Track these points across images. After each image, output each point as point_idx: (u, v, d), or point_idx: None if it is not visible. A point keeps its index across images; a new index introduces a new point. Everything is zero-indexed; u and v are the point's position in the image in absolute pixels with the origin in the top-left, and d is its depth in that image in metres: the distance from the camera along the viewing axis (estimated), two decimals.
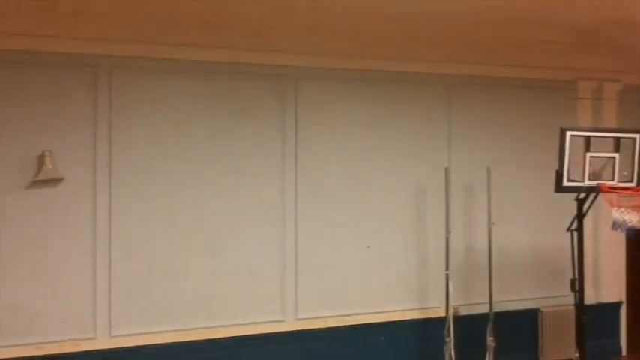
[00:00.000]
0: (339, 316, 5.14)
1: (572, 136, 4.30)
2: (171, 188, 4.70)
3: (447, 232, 5.14)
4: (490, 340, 5.04)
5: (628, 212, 4.43)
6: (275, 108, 5.00)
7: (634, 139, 4.41)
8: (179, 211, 4.72)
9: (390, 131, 5.32)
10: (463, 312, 5.36)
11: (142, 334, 4.58)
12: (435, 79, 5.44)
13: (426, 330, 5.30)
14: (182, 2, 4.27)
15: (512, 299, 5.60)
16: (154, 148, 4.66)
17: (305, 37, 4.93)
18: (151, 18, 4.48)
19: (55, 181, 4.41)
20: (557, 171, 4.30)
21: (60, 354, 4.37)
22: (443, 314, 5.14)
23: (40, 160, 4.36)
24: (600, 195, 4.43)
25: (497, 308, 5.20)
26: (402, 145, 5.36)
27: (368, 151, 5.26)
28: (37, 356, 4.31)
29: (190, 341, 4.69)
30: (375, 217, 5.28)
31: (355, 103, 5.22)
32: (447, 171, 5.19)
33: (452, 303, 5.07)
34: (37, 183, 4.36)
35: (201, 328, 4.74)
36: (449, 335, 5.01)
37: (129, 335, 4.56)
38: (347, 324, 5.14)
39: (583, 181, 4.34)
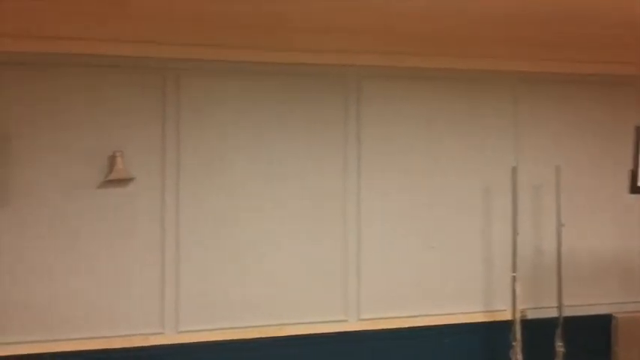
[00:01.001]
0: (402, 317, 5.09)
1: None
2: (236, 188, 4.78)
3: (515, 233, 5.01)
4: (559, 346, 4.88)
5: None
6: (338, 108, 5.00)
7: None
8: (245, 210, 4.79)
9: (455, 130, 5.23)
10: (531, 316, 5.20)
11: (208, 330, 4.68)
12: (501, 76, 5.32)
13: (491, 333, 5.19)
14: (245, 5, 4.33)
15: (583, 304, 5.41)
16: (221, 149, 4.76)
17: (369, 36, 4.91)
18: (215, 21, 4.57)
19: (125, 181, 4.57)
20: (631, 170, 4.13)
21: (129, 348, 4.53)
22: (509, 317, 5.01)
23: (112, 160, 4.53)
24: None
25: (567, 313, 5.03)
26: (467, 143, 5.26)
27: (432, 150, 5.19)
28: (46, 354, 4.46)
29: (254, 339, 4.76)
30: (439, 217, 5.20)
31: (417, 102, 5.16)
32: (514, 170, 5.06)
33: (519, 306, 4.94)
34: (109, 182, 4.54)
35: (265, 325, 4.80)
36: (515, 339, 4.88)
37: (196, 331, 4.67)
38: (410, 325, 5.09)
39: None
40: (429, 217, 5.18)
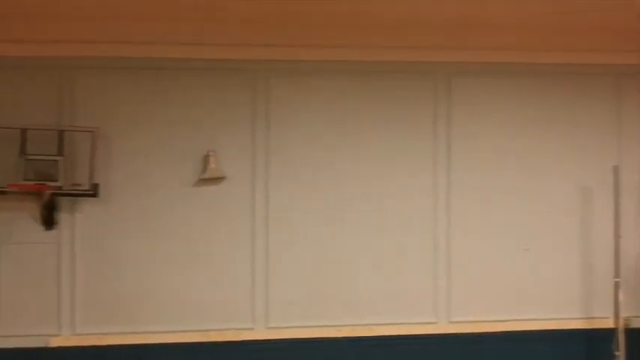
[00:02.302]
0: (494, 321, 4.91)
1: None
2: (325, 186, 4.79)
3: (617, 236, 4.72)
4: None
5: None
6: (427, 106, 4.90)
7: None
8: (334, 208, 4.79)
9: (551, 128, 4.99)
10: (635, 324, 4.89)
11: (297, 327, 4.72)
12: (600, 70, 5.03)
13: (591, 342, 4.90)
14: (332, 4, 4.36)
15: None
16: (309, 147, 4.78)
17: (458, 32, 4.80)
18: (303, 21, 4.62)
19: (218, 180, 4.69)
20: None
21: (222, 342, 4.63)
22: (612, 326, 4.72)
23: (205, 160, 4.67)
24: None
25: None
26: (565, 142, 5.00)
27: (527, 148, 4.97)
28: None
29: (343, 338, 4.74)
30: (534, 218, 4.97)
31: (511, 99, 4.98)
32: (615, 169, 4.77)
33: (622, 314, 4.65)
34: (202, 181, 4.67)
35: (354, 325, 4.77)
36: (618, 349, 4.59)
37: (285, 328, 4.71)
38: (503, 330, 4.89)
39: None
40: (524, 218, 4.97)
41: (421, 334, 4.82)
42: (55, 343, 4.53)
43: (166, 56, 4.63)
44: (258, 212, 4.73)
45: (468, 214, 4.92)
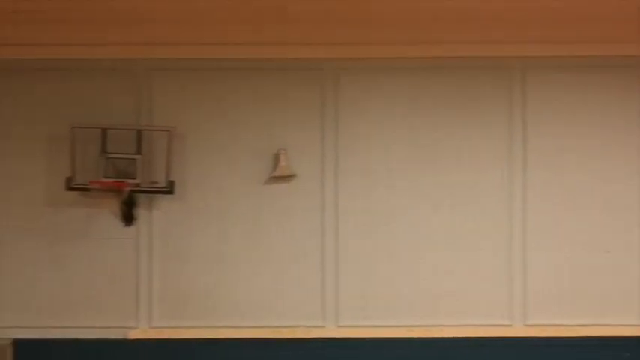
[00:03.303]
0: (573, 325, 4.71)
1: None
2: (395, 185, 4.74)
3: None
4: None
5: None
6: (501, 102, 4.76)
7: None
8: (403, 207, 4.74)
9: (630, 125, 4.76)
10: None
11: (367, 326, 4.69)
12: None
13: None
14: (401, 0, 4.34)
15: None
16: (378, 146, 4.75)
17: (532, 25, 4.65)
18: (372, 19, 4.61)
19: (288, 178, 4.73)
20: None
21: (292, 338, 4.66)
22: None
23: (276, 158, 4.72)
24: None
25: None
26: None
27: (606, 144, 4.76)
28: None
29: (413, 338, 4.68)
30: (615, 219, 4.75)
31: (587, 93, 4.77)
32: None
33: None
34: (273, 179, 4.73)
35: (425, 325, 4.69)
36: None
37: (356, 326, 4.69)
38: (583, 335, 4.68)
39: None
40: (604, 219, 4.75)
41: (495, 337, 4.69)
42: (133, 335, 4.70)
43: (238, 57, 4.72)
44: (328, 210, 4.74)
45: (545, 214, 4.75)
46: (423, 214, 4.75)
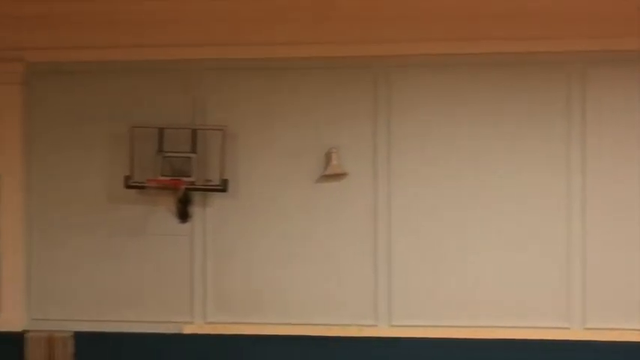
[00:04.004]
0: (633, 329, 4.52)
1: None
2: (448, 184, 4.68)
3: None
4: None
5: None
6: (558, 100, 4.63)
7: None
8: (457, 206, 4.67)
9: None
10: None
11: (420, 326, 4.64)
12: None
13: None
14: None
15: None
16: (431, 144, 4.70)
17: (589, 20, 4.52)
18: (423, 16, 4.58)
19: (340, 176, 4.74)
20: None
21: (344, 337, 4.66)
22: None
23: (328, 157, 4.74)
24: None
25: None
26: None
27: None
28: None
29: (466, 339, 4.60)
30: None
31: None
32: None
33: None
34: (325, 177, 4.75)
35: (478, 326, 4.61)
36: None
37: (409, 326, 4.65)
38: None
39: None
40: None
41: (552, 340, 4.56)
42: (187, 330, 4.79)
43: (289, 56, 4.76)
44: (381, 208, 4.72)
45: (604, 215, 4.59)
46: (478, 214, 4.67)
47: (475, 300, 4.64)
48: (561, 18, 4.53)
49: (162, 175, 4.60)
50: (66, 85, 4.89)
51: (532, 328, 4.58)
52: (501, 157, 4.67)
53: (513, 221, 4.65)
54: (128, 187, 4.67)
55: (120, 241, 4.84)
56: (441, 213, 4.69)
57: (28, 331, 4.84)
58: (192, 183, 4.61)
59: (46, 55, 4.82)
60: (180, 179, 4.59)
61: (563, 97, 4.63)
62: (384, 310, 4.70)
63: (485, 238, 4.66)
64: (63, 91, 4.89)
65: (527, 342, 4.56)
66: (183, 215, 4.73)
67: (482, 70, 4.69)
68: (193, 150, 4.65)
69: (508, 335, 4.58)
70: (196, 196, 4.74)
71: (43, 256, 4.91)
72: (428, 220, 4.69)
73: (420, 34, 4.65)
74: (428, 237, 4.69)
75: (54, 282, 4.90)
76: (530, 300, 4.62)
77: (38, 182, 4.90)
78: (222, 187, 4.66)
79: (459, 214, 4.68)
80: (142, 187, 4.66)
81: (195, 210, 4.76)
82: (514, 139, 4.66)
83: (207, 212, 4.79)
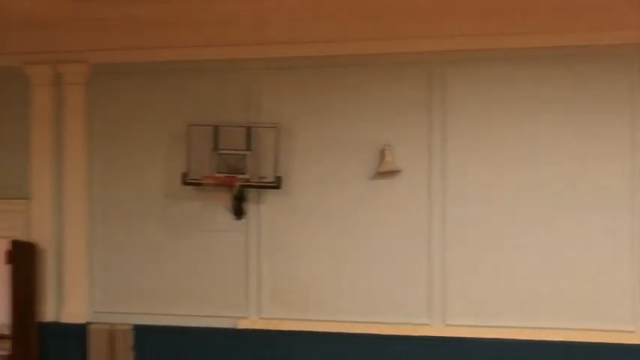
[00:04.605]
0: None
1: None
2: (505, 181, 4.57)
3: None
4: None
5: None
6: (622, 91, 4.45)
7: None
8: (514, 204, 4.55)
9: None
10: None
11: (475, 326, 4.56)
12: None
13: None
14: None
15: None
16: (488, 140, 4.61)
17: None
18: (476, 10, 4.51)
19: (393, 173, 4.70)
20: None
21: (397, 335, 4.61)
22: None
23: (381, 154, 4.71)
24: None
25: None
26: None
27: None
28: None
29: (525, 340, 4.46)
30: None
31: None
32: None
33: None
34: (379, 174, 4.72)
35: (537, 328, 4.47)
36: None
37: (464, 326, 4.58)
38: None
39: None
40: None
41: (615, 343, 4.37)
42: (242, 325, 4.86)
43: (343, 54, 4.76)
44: (435, 205, 4.66)
45: None
46: (536, 212, 4.53)
47: (533, 300, 4.52)
48: (620, 9, 4.37)
49: (218, 172, 4.68)
50: (126, 85, 5.05)
51: (594, 330, 4.42)
52: (562, 153, 4.52)
53: (575, 220, 4.49)
54: (185, 183, 4.77)
55: (178, 237, 4.96)
56: (497, 211, 4.59)
57: (90, 323, 5.03)
58: (247, 180, 4.67)
59: (108, 57, 5.00)
60: (235, 176, 4.65)
61: (627, 88, 4.45)
62: (439, 309, 4.63)
63: (545, 237, 4.52)
64: (123, 91, 5.06)
65: (590, 345, 4.39)
66: (238, 212, 4.80)
67: (540, 65, 4.56)
68: (248, 147, 4.71)
69: (571, 337, 4.43)
70: (251, 193, 4.80)
71: (105, 252, 5.08)
72: (483, 218, 4.60)
73: (476, 29, 4.57)
74: (484, 234, 4.59)
75: (115, 276, 5.07)
76: (592, 301, 4.45)
77: (100, 179, 5.08)
78: (276, 184, 4.70)
79: (516, 212, 4.56)
80: (199, 184, 4.76)
81: (250, 207, 4.83)
82: (574, 135, 4.51)
83: (262, 209, 4.85)
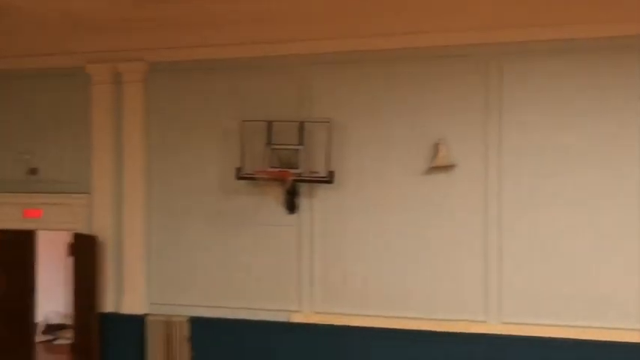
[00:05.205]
0: None
1: None
2: (563, 174, 4.43)
3: None
4: None
5: None
6: None
7: None
8: (573, 198, 4.40)
9: None
10: None
11: (534, 324, 4.44)
12: None
13: None
14: None
15: None
16: (547, 134, 4.47)
17: None
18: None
19: (448, 168, 4.63)
20: None
21: (451, 332, 4.54)
22: None
23: (435, 148, 4.64)
24: None
25: None
26: None
27: None
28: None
29: (587, 340, 4.32)
30: None
31: None
32: None
33: None
34: (432, 169, 4.66)
35: (600, 328, 4.32)
36: None
37: (520, 324, 4.47)
38: None
39: None
40: None
41: None
42: (295, 318, 4.89)
43: (394, 47, 4.71)
44: (491, 201, 4.56)
45: None
46: (598, 205, 4.38)
47: (594, 299, 4.36)
48: None
49: (271, 167, 4.73)
50: (182, 83, 5.16)
51: None
52: (624, 147, 4.35)
53: (630, 215, 4.32)
54: (239, 178, 4.84)
55: (232, 231, 5.03)
56: (555, 207, 4.45)
57: (148, 314, 5.16)
58: (299, 174, 4.69)
59: (165, 55, 5.12)
60: (288, 171, 4.68)
61: None
62: (495, 306, 4.52)
63: (607, 232, 4.36)
64: (179, 88, 5.17)
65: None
66: (291, 206, 4.83)
67: (601, 56, 4.39)
68: (300, 142, 4.73)
69: (630, 338, 4.27)
70: (303, 188, 4.82)
71: (162, 245, 5.20)
72: (541, 214, 4.47)
73: (533, 20, 4.44)
74: (542, 230, 4.46)
75: (171, 269, 5.18)
76: None
77: (157, 174, 5.21)
78: (329, 179, 4.70)
79: (575, 209, 4.41)
80: (252, 179, 4.81)
81: (302, 201, 4.85)
82: (637, 128, 4.33)
83: (314, 203, 4.86)
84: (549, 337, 4.40)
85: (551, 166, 4.46)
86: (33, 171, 5.45)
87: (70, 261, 5.47)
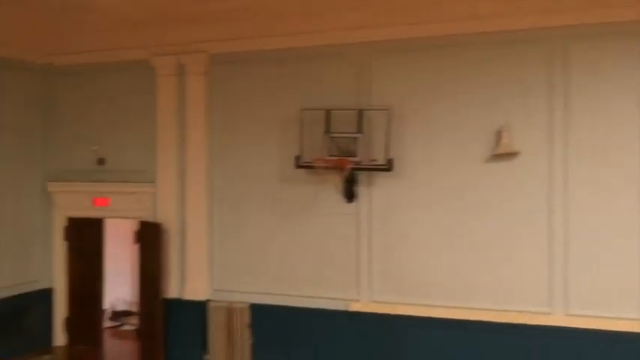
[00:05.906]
0: None
1: None
2: (631, 160, 4.24)
3: None
4: None
5: None
6: None
7: None
8: None
9: None
10: None
11: (600, 317, 4.28)
12: None
13: None
14: None
15: None
16: (614, 120, 4.28)
17: None
18: None
19: (511, 155, 4.51)
20: None
21: (514, 324, 4.44)
22: None
23: (498, 135, 4.53)
24: None
25: None
26: None
27: None
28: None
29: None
30: None
31: None
32: None
33: None
34: (495, 157, 4.55)
35: None
36: None
37: (586, 317, 4.32)
38: None
39: None
40: None
41: None
42: (354, 307, 4.89)
43: (454, 33, 4.62)
44: (556, 189, 4.41)
45: None
46: None
47: None
48: None
49: (330, 155, 4.72)
50: (242, 73, 5.24)
51: None
52: None
53: None
54: (298, 167, 4.86)
55: (291, 219, 5.07)
56: (623, 197, 4.27)
57: (210, 300, 5.27)
58: (358, 163, 4.67)
59: (225, 46, 5.21)
60: (347, 159, 4.67)
61: None
62: (560, 298, 4.38)
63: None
64: (239, 78, 5.25)
65: None
66: (350, 195, 4.81)
67: None
68: (359, 130, 4.71)
69: None
70: (361, 176, 4.80)
71: (224, 233, 5.30)
72: (609, 203, 4.30)
73: (598, 1, 4.26)
74: (610, 221, 4.29)
75: (233, 257, 5.27)
76: None
77: (219, 163, 5.31)
78: (387, 167, 4.66)
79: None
80: (311, 167, 4.82)
81: (361, 189, 4.83)
82: None
83: (373, 192, 4.83)
84: (615, 331, 4.23)
85: (619, 155, 4.28)
86: (101, 161, 5.67)
87: (136, 248, 5.63)
